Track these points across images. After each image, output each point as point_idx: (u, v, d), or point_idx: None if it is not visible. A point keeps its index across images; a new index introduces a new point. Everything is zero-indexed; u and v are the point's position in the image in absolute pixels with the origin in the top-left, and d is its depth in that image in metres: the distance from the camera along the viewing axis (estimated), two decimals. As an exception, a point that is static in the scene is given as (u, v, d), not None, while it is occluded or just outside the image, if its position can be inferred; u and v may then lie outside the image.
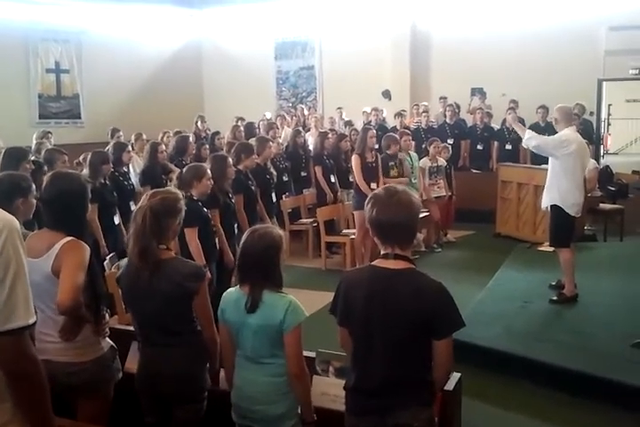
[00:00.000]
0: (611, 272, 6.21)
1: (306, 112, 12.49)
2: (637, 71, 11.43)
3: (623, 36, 11.05)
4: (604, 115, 13.32)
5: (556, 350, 4.74)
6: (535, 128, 10.29)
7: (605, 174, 9.38)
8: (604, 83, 11.84)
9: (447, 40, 12.42)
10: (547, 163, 9.59)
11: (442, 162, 8.71)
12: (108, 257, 4.99)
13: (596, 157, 10.57)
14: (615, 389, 4.22)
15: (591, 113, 10.97)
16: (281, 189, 8.02)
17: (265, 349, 2.74)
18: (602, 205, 8.30)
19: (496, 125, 10.74)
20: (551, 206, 5.79)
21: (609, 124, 16.14)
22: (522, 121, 10.58)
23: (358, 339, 2.48)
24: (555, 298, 5.77)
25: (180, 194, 3.06)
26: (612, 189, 9.09)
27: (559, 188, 5.69)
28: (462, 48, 12.07)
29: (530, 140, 5.74)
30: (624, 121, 16.75)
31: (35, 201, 3.20)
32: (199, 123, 10.51)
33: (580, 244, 7.78)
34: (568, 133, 5.68)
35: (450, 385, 2.90)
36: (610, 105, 14.86)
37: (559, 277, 6.05)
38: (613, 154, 16.90)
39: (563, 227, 5.77)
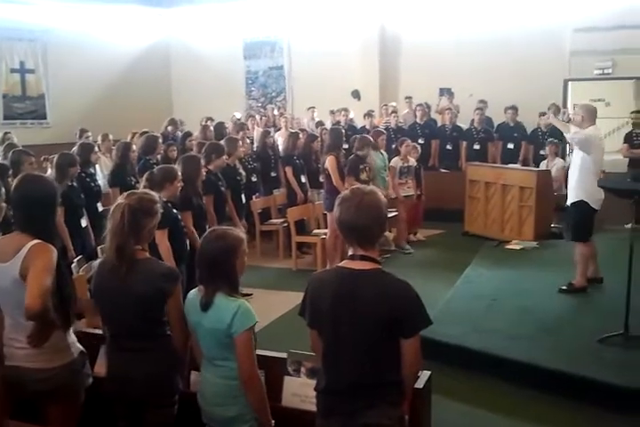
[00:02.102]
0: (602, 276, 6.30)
1: (276, 112, 12.48)
2: (601, 71, 11.65)
3: (588, 38, 11.25)
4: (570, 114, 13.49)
5: (524, 346, 4.81)
6: (504, 128, 10.49)
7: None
8: (570, 83, 12.05)
9: (415, 41, 12.49)
10: (514, 162, 9.81)
11: (412, 162, 8.77)
12: (75, 260, 4.93)
13: (563, 156, 10.74)
14: (582, 384, 4.29)
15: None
16: (250, 189, 8.01)
17: (216, 351, 2.74)
18: (568, 204, 8.42)
19: (464, 125, 10.85)
20: (577, 202, 5.84)
21: (574, 123, 16.40)
22: (489, 121, 10.78)
23: (327, 340, 2.49)
24: (564, 287, 5.94)
25: (157, 196, 3.04)
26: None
27: (587, 184, 5.75)
28: (430, 49, 12.15)
29: (576, 134, 5.81)
30: (589, 120, 16.99)
31: (4, 205, 3.16)
32: (170, 127, 10.06)
33: (546, 242, 7.92)
34: (596, 132, 5.83)
35: (420, 383, 2.93)
36: (575, 105, 15.09)
37: (598, 275, 6.17)
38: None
39: (587, 222, 5.89)
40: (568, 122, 6.42)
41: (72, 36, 12.76)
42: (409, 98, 11.62)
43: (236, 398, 2.71)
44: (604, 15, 10.95)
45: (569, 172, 6.12)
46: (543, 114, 10.10)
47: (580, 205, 5.81)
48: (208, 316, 2.70)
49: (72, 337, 2.95)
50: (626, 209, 5.11)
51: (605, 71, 11.63)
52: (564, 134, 6.03)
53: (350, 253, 2.46)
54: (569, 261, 6.69)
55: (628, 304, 4.72)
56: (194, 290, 2.84)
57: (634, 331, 4.74)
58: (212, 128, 9.54)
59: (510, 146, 10.29)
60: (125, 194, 2.93)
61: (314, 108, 11.96)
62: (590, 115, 5.86)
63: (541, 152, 9.81)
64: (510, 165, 9.44)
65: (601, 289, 6.00)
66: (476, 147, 10.30)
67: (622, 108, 15.23)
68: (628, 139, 9.23)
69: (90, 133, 9.21)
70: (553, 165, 8.89)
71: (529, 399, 4.35)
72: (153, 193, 3.06)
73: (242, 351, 2.66)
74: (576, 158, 5.94)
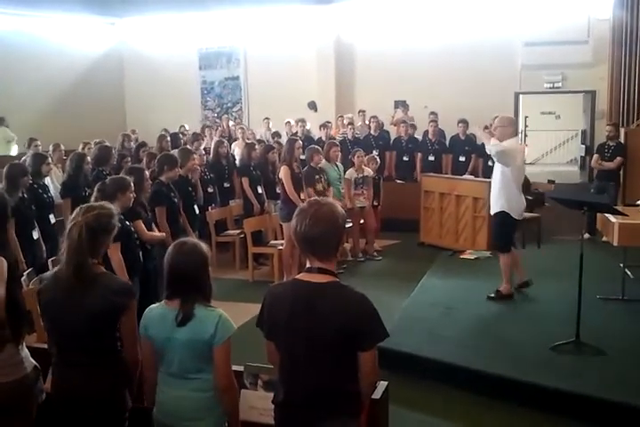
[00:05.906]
0: (529, 278, 6.42)
1: (231, 123, 12.44)
2: (552, 85, 11.97)
3: (538, 52, 11.57)
4: (520, 127, 13.81)
5: (478, 355, 4.87)
6: (455, 141, 10.65)
7: (523, 184, 9.69)
8: (521, 96, 12.35)
9: (371, 54, 12.67)
10: (464, 174, 9.93)
11: (368, 172, 8.78)
12: (25, 273, 4.80)
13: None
14: (536, 391, 4.35)
15: (509, 125, 11.36)
16: (207, 200, 7.95)
17: (191, 363, 2.69)
18: (520, 214, 8.56)
19: (418, 137, 10.97)
20: (498, 213, 5.96)
21: (525, 136, 16.76)
22: (442, 133, 10.93)
23: (284, 353, 2.47)
24: (492, 295, 6.05)
25: (115, 210, 2.96)
26: (530, 198, 9.40)
27: (509, 195, 5.89)
28: (386, 62, 12.33)
29: (495, 146, 5.81)
30: (540, 132, 17.37)
31: None
32: (125, 142, 9.60)
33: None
34: (515, 144, 5.92)
35: (377, 394, 2.93)
36: (526, 117, 15.41)
37: (524, 279, 6.31)
38: (530, 164, 17.45)
39: (507, 232, 6.05)
40: None
41: (22, 45, 12.54)
42: (362, 111, 11.77)
43: (211, 411, 2.69)
44: (554, 30, 11.28)
45: (491, 182, 6.23)
46: (486, 127, 10.27)
47: (501, 215, 5.95)
48: (186, 329, 2.64)
49: (25, 351, 2.88)
50: (580, 220, 5.20)
51: (555, 85, 11.95)
52: (486, 146, 6.09)
53: (308, 265, 2.44)
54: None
55: (579, 312, 4.82)
56: (156, 305, 2.78)
57: (585, 338, 4.84)
58: (168, 138, 9.44)
59: (462, 159, 10.45)
60: (82, 209, 2.81)
61: (268, 118, 11.99)
62: (512, 126, 5.97)
63: (490, 163, 9.94)
64: (464, 176, 9.58)
65: (552, 298, 6.10)
66: (431, 158, 10.46)
67: (572, 121, 15.71)
68: (600, 150, 9.30)
69: (39, 143, 9.02)
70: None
71: (485, 407, 4.39)
72: (110, 206, 2.97)
73: (221, 360, 2.65)
74: (496, 170, 6.04)
